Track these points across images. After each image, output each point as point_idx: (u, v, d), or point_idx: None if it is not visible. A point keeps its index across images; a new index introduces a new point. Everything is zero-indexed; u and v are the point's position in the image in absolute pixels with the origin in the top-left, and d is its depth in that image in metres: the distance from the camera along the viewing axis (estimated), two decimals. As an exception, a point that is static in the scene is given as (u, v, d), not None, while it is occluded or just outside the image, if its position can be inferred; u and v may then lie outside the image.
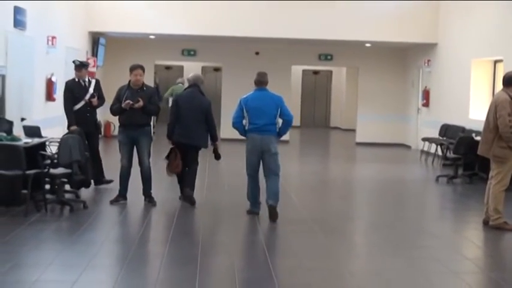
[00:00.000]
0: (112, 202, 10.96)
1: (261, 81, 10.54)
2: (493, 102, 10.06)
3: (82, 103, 12.22)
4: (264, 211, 10.40)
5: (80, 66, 12.34)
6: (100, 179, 12.45)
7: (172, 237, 9.21)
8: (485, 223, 10.23)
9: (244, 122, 10.40)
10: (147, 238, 9.41)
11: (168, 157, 11.33)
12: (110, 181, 12.46)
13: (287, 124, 10.36)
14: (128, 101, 10.79)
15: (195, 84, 11.41)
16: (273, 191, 10.28)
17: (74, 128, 11.90)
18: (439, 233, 10.08)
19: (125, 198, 11.15)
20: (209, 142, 11.46)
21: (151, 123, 11.34)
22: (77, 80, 12.31)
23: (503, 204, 10.08)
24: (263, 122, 10.24)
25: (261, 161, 10.38)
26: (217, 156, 11.53)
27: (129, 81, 11.09)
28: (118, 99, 11.05)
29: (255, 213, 10.56)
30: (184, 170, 11.34)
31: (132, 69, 11.06)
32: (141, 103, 10.81)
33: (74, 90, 12.20)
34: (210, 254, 8.41)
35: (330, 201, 12.53)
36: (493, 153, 9.97)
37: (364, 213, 11.91)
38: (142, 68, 11.11)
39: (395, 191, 14.07)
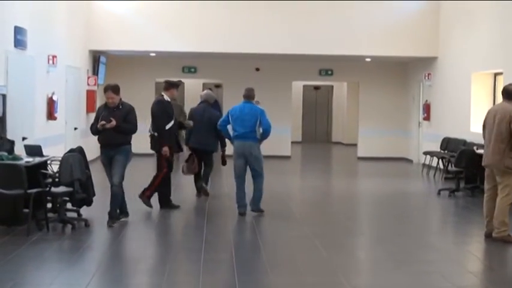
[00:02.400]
0: (110, 225, 10.81)
1: (247, 96, 12.11)
2: (502, 113, 9.97)
3: (172, 122, 12.29)
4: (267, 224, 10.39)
5: (173, 85, 12.42)
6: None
7: (173, 255, 9.22)
8: (488, 236, 10.21)
9: (229, 127, 12.19)
10: (148, 256, 9.39)
11: (187, 160, 13.78)
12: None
13: (265, 132, 11.85)
14: (101, 122, 10.71)
15: (205, 100, 14.03)
16: (256, 197, 12.06)
17: (166, 148, 12.23)
18: (442, 247, 10.06)
19: (126, 215, 11.14)
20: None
21: (131, 142, 11.16)
22: (167, 99, 12.33)
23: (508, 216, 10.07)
24: (243, 130, 11.83)
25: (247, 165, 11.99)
26: (224, 162, 14.13)
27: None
28: (97, 118, 10.99)
29: (242, 214, 11.95)
30: (199, 171, 13.83)
31: (105, 91, 11.00)
32: (113, 123, 10.68)
33: (168, 110, 12.24)
34: (211, 270, 8.39)
35: (332, 216, 12.51)
36: (505, 164, 9.93)
37: (366, 228, 11.90)
38: (113, 89, 10.96)
39: (398, 205, 14.05)
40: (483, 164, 10.34)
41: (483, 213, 10.36)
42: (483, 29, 17.10)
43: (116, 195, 10.86)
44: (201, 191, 13.94)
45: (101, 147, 11.06)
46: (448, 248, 10.14)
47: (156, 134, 12.41)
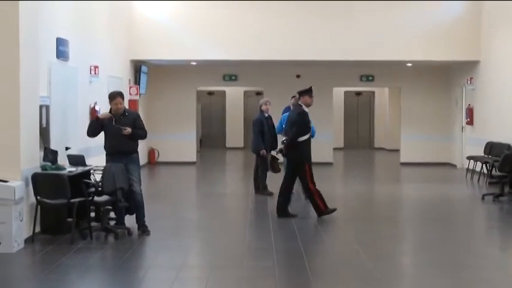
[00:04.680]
0: (146, 232, 10.85)
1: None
2: None
3: (308, 135, 12.38)
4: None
5: (305, 92, 12.52)
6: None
7: (216, 262, 9.24)
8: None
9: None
10: (191, 264, 9.42)
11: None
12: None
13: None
14: (123, 128, 10.64)
15: (259, 106, 15.44)
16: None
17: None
18: (487, 253, 9.94)
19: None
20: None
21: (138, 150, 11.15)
22: (306, 110, 12.41)
23: None
24: None
25: None
26: (273, 168, 14.96)
27: (110, 109, 11.01)
28: (99, 124, 11.01)
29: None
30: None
31: (112, 98, 10.95)
32: (129, 130, 10.69)
33: (308, 123, 12.40)
34: (254, 277, 8.38)
35: (375, 222, 12.43)
36: None
37: (409, 234, 11.81)
38: (121, 95, 11.03)
39: (441, 211, 13.91)
40: None
41: None
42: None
43: (141, 203, 10.92)
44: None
45: (109, 155, 10.97)
46: (493, 253, 10.01)
47: (285, 140, 12.55)
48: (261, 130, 15.03)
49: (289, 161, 12.65)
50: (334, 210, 12.39)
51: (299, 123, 12.30)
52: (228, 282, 8.30)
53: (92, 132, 11.18)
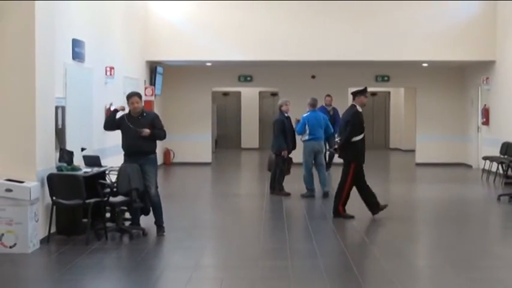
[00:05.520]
0: (161, 234, 10.88)
1: (314, 105, 15.30)
2: None
3: (362, 135, 12.46)
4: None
5: (360, 92, 12.62)
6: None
7: (230, 263, 9.26)
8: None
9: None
10: (206, 264, 9.45)
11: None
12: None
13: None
14: (142, 130, 10.64)
15: (278, 106, 15.60)
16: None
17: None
18: (502, 253, 9.91)
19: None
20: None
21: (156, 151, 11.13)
22: (360, 110, 12.50)
23: None
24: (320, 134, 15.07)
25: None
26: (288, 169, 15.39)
27: (129, 109, 11.03)
28: (117, 122, 11.09)
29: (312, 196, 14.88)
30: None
31: (129, 97, 10.95)
32: (147, 131, 10.67)
33: (362, 123, 12.49)
34: (268, 278, 8.40)
35: (390, 222, 12.41)
36: None
37: (425, 234, 11.79)
38: (138, 95, 11.03)
39: (457, 211, 13.87)
40: None
41: None
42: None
43: (157, 204, 10.93)
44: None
45: (126, 155, 11.00)
46: (509, 254, 9.97)
47: (339, 140, 12.60)
48: (283, 130, 15.08)
49: (344, 161, 12.69)
50: (351, 217, 12.39)
51: (353, 123, 12.36)
52: (242, 283, 8.32)
53: (107, 126, 11.34)
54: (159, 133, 10.93)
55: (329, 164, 18.09)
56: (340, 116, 18.13)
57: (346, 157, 12.49)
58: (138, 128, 10.69)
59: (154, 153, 11.05)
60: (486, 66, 20.44)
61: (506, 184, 16.39)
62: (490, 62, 20.09)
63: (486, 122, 20.50)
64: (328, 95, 19.04)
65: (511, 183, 15.44)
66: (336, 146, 12.68)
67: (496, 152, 18.56)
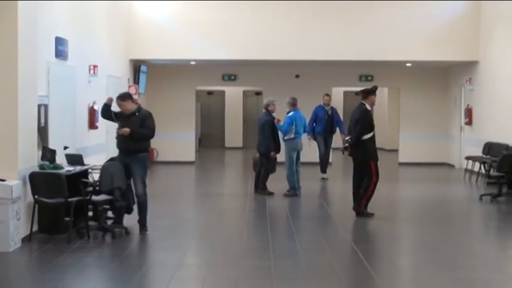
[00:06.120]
0: (143, 232, 10.86)
1: (295, 104, 15.44)
2: None
3: (372, 133, 12.59)
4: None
5: (371, 92, 12.71)
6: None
7: (213, 262, 9.26)
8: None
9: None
10: (189, 263, 9.44)
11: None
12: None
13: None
14: (122, 129, 10.75)
15: (264, 106, 15.48)
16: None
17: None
18: (484, 253, 9.96)
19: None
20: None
21: (148, 150, 11.13)
22: (369, 108, 12.61)
23: None
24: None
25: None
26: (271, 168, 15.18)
27: None
28: (115, 115, 11.20)
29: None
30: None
31: (116, 100, 11.08)
32: (126, 130, 10.67)
33: (371, 121, 12.55)
34: (250, 277, 8.40)
35: (372, 221, 12.44)
36: None
37: (407, 234, 11.82)
38: (121, 97, 10.96)
39: (439, 211, 13.92)
40: None
41: None
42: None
43: (142, 204, 10.91)
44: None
45: (119, 152, 11.05)
46: (490, 253, 10.03)
47: (349, 139, 12.61)
48: (272, 131, 15.05)
49: (354, 160, 12.73)
50: (372, 214, 12.47)
51: (363, 121, 12.42)
52: (225, 282, 8.32)
53: (103, 113, 11.45)
54: (141, 132, 10.85)
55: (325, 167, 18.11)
56: (340, 115, 18.38)
57: (357, 155, 12.55)
58: (129, 126, 10.70)
59: (144, 152, 10.98)
60: (469, 67, 20.52)
61: (489, 184, 16.45)
62: (473, 63, 20.18)
63: (469, 122, 20.59)
64: (327, 94, 18.83)
65: (493, 183, 15.50)
66: (347, 145, 12.69)
67: (478, 152, 18.65)
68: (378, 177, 12.51)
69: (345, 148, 12.80)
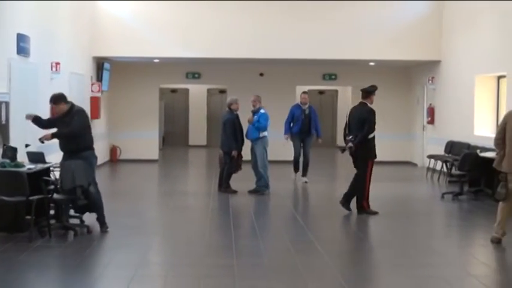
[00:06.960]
0: (105, 230, 10.80)
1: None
2: None
3: (374, 133, 12.94)
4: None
5: (371, 92, 13.00)
6: None
7: (175, 260, 9.23)
8: (497, 242, 10.07)
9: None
10: (151, 261, 9.40)
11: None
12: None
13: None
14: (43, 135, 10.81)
15: (227, 105, 15.32)
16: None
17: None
18: (445, 251, 10.04)
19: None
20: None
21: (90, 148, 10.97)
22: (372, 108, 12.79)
23: None
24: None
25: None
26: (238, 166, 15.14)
27: None
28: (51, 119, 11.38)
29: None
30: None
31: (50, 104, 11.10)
32: (47, 135, 10.74)
33: (375, 121, 12.72)
34: (213, 275, 8.40)
35: (335, 220, 12.49)
36: None
37: (369, 232, 11.88)
38: (54, 100, 10.88)
39: (401, 209, 14.02)
40: (503, 168, 10.10)
41: (496, 217, 10.23)
42: (486, 31, 17.07)
43: (95, 202, 10.83)
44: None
45: (63, 153, 11.00)
46: (451, 251, 10.12)
47: (351, 138, 12.70)
48: (233, 130, 14.99)
49: (358, 159, 12.81)
50: (376, 212, 12.65)
51: (370, 121, 12.60)
52: (186, 280, 8.30)
53: (41, 127, 11.25)
54: (61, 133, 10.80)
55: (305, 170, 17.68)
56: (317, 114, 18.09)
57: (362, 155, 12.69)
58: (62, 127, 10.71)
59: (86, 150, 10.83)
60: (432, 66, 20.71)
61: (450, 182, 16.62)
62: (435, 62, 20.36)
63: (431, 121, 20.77)
64: (305, 92, 17.96)
65: (455, 182, 15.65)
66: (351, 144, 12.70)
67: (440, 150, 18.83)
68: (370, 176, 12.73)
69: (349, 148, 12.79)
